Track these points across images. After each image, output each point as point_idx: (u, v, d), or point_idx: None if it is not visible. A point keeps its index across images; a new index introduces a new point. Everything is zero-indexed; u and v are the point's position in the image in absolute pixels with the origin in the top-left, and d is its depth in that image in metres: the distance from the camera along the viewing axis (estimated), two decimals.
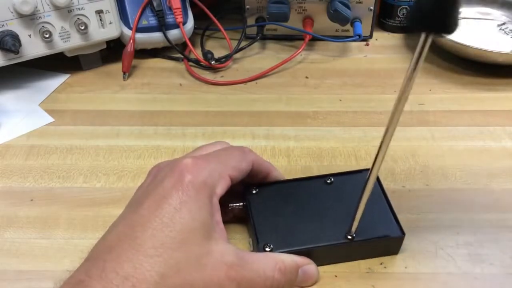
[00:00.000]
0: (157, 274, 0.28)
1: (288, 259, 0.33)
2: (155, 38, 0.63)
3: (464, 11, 0.70)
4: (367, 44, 0.68)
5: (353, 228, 0.34)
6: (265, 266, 0.31)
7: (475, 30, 0.65)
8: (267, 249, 0.34)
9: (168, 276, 0.28)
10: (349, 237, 0.35)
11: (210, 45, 0.69)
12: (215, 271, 0.29)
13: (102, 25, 0.59)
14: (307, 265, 0.34)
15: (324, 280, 0.35)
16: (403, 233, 0.36)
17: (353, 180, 0.39)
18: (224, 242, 0.31)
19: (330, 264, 0.36)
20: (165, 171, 0.32)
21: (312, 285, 0.34)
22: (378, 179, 0.39)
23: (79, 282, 0.28)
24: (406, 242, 0.38)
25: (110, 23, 0.59)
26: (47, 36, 0.55)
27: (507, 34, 0.65)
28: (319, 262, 0.35)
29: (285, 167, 0.46)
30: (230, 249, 0.31)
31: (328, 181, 0.39)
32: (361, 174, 0.39)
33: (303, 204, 0.38)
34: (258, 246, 0.35)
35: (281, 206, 0.38)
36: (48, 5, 0.55)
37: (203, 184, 0.31)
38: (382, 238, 0.35)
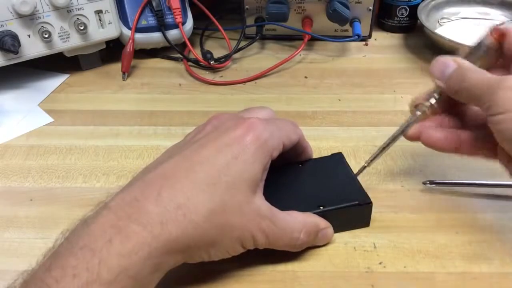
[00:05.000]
0: (206, 208, 0.30)
1: (313, 223, 0.36)
2: (154, 38, 0.63)
3: (464, 11, 0.70)
4: (366, 44, 0.68)
5: None
6: (293, 226, 0.35)
7: (474, 30, 0.65)
8: None
9: (216, 213, 0.31)
10: (321, 207, 0.37)
11: (209, 45, 0.69)
12: (251, 220, 0.32)
13: (102, 25, 0.59)
14: (326, 228, 0.37)
15: (324, 279, 0.35)
16: (370, 201, 0.38)
17: (323, 162, 0.42)
18: (263, 198, 0.34)
19: None
20: (229, 124, 0.34)
21: (323, 243, 0.38)
22: (343, 157, 0.42)
23: (134, 199, 0.30)
24: (405, 241, 0.38)
25: (110, 23, 0.59)
26: (46, 36, 0.55)
27: None
28: None
29: None
30: (267, 205, 0.34)
31: (300, 165, 0.41)
32: (329, 158, 0.43)
33: (279, 185, 0.39)
34: None
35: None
36: (48, 5, 0.55)
37: (264, 144, 0.33)
38: (351, 207, 0.37)
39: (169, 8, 0.63)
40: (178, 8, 0.62)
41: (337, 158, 0.42)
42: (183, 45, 0.65)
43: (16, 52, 0.54)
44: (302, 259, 0.37)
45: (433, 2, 0.69)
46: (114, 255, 0.28)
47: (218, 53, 0.63)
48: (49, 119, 0.54)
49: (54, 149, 0.49)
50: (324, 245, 0.38)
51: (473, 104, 0.35)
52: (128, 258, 0.28)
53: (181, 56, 0.64)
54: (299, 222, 0.35)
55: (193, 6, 0.67)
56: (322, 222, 0.37)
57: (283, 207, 0.35)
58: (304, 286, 0.35)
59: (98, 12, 0.58)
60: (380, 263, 0.36)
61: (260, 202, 0.33)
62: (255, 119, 0.34)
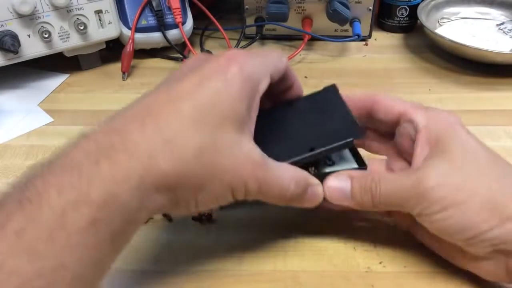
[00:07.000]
0: (195, 145, 0.27)
1: (302, 175, 0.33)
2: (154, 38, 0.63)
3: (463, 11, 0.70)
4: (366, 44, 0.68)
5: None
6: (284, 175, 0.32)
7: (474, 30, 0.66)
8: None
9: (205, 151, 0.28)
10: (313, 150, 0.34)
11: (209, 45, 0.69)
12: (243, 164, 0.29)
13: (101, 25, 0.59)
14: (316, 185, 0.34)
15: (324, 279, 0.35)
16: (365, 165, 0.36)
17: (314, 99, 0.39)
18: (253, 142, 0.31)
19: None
20: (209, 59, 0.31)
21: (314, 205, 0.34)
22: (336, 90, 0.39)
23: (116, 130, 0.27)
24: (405, 241, 0.38)
25: (109, 23, 0.59)
26: (46, 36, 0.55)
27: (506, 33, 0.65)
28: None
29: None
30: (258, 151, 0.31)
31: (290, 105, 0.38)
32: (321, 93, 0.39)
33: (268, 130, 0.37)
34: None
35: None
36: (47, 5, 0.55)
37: (249, 78, 0.30)
38: (342, 145, 0.35)
39: (169, 8, 0.63)
40: (178, 8, 0.62)
41: (330, 92, 0.39)
42: (183, 45, 0.65)
43: (16, 52, 0.54)
44: (302, 259, 0.37)
45: (433, 2, 0.69)
46: (104, 178, 0.25)
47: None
48: (49, 119, 0.54)
49: (55, 149, 0.49)
50: (324, 245, 0.38)
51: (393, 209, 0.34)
52: (116, 185, 0.25)
53: (181, 56, 0.64)
54: (290, 172, 0.33)
55: (193, 6, 0.67)
56: (312, 179, 0.34)
57: (273, 154, 0.32)
58: (304, 286, 0.35)
59: (98, 12, 0.58)
60: (380, 263, 0.36)
61: (251, 145, 0.30)
62: (236, 50, 0.31)
